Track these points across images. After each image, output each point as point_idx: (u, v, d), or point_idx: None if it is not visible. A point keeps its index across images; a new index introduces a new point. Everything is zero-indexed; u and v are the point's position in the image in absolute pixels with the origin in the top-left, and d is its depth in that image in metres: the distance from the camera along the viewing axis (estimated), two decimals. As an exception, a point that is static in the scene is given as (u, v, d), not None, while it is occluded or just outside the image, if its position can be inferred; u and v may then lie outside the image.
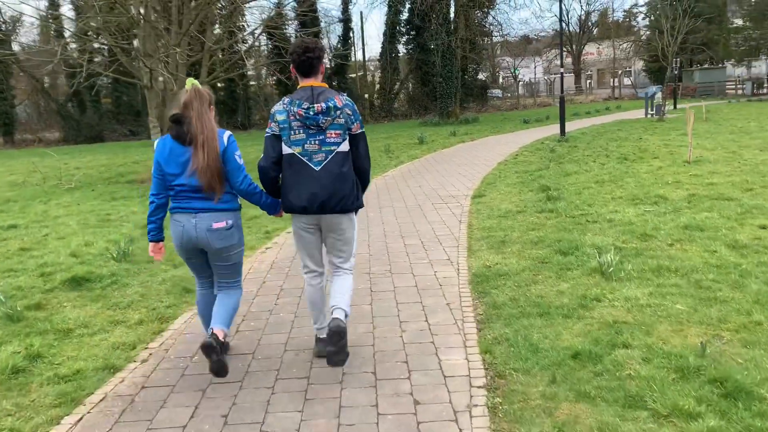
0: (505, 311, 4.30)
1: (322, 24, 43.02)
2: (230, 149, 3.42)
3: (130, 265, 5.93)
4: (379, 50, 42.55)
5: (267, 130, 3.50)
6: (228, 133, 3.48)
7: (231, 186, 3.47)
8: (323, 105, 3.38)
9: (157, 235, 3.60)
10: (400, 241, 6.59)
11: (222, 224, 3.42)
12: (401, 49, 43.01)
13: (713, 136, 15.71)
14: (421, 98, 41.32)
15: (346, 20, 42.25)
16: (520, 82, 55.76)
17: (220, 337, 3.34)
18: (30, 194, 11.92)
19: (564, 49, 62.50)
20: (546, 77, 63.50)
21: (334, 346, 3.33)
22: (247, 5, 29.76)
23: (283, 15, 41.11)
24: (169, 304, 4.87)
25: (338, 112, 3.42)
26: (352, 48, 43.65)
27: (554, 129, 22.60)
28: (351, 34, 43.00)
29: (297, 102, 3.40)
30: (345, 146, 3.48)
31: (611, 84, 59.19)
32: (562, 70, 17.54)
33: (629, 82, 57.27)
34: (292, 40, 39.75)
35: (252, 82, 44.64)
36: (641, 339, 3.68)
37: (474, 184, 10.36)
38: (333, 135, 3.43)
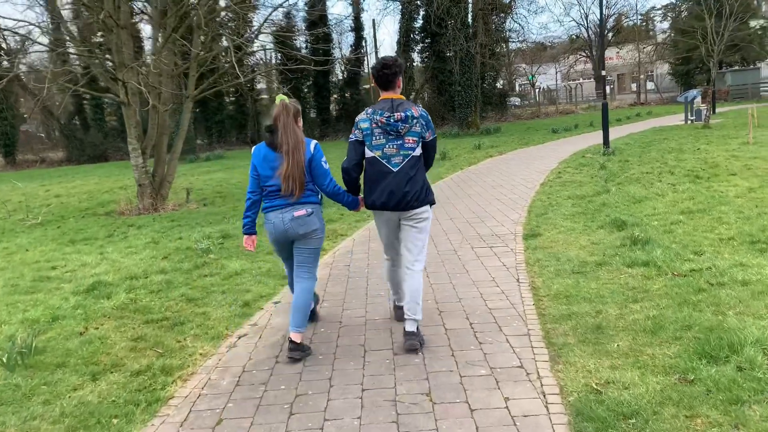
0: None
1: (333, 34, 41.34)
2: (317, 157, 3.92)
3: (23, 377, 3.86)
4: (393, 60, 40.69)
5: (351, 136, 4.01)
6: (314, 142, 3.95)
7: (318, 187, 3.98)
8: (402, 114, 3.86)
9: (250, 229, 4.08)
10: (438, 320, 4.48)
11: (302, 212, 3.88)
12: (416, 57, 41.09)
13: (787, 144, 13.46)
14: (438, 108, 39.21)
15: (357, 29, 40.44)
16: (538, 89, 53.49)
17: (298, 341, 3.90)
18: (-17, 234, 9.99)
19: (584, 53, 60.22)
20: (565, 84, 61.13)
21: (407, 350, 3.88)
22: (253, 14, 28.04)
23: (293, 25, 39.73)
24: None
25: (414, 121, 3.89)
26: (365, 58, 41.79)
27: (589, 139, 20.43)
28: (363, 44, 41.18)
29: (379, 111, 3.89)
30: (419, 151, 3.95)
31: (634, 89, 56.77)
32: (603, 72, 15.35)
33: (652, 86, 54.82)
34: (304, 51, 38.22)
35: (264, 96, 43.04)
36: None
37: (520, 215, 8.22)
38: (410, 141, 3.90)
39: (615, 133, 20.96)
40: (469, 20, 31.53)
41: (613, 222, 6.89)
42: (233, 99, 38.80)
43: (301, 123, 3.95)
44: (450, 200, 9.85)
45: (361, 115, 3.97)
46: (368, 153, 3.93)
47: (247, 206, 4.03)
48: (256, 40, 35.50)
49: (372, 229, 7.57)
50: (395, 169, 3.86)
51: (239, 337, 4.38)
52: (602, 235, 6.52)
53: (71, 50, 12.24)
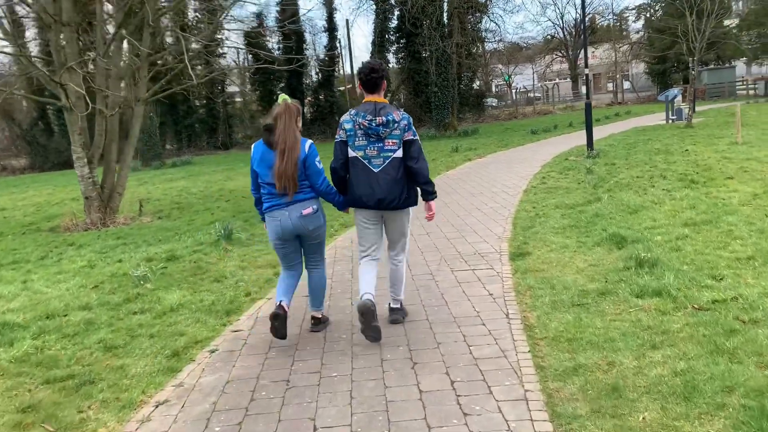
0: None
1: (307, 34, 40.31)
2: (311, 156, 4.04)
3: None
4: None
5: (336, 137, 4.15)
6: (309, 141, 4.09)
7: (311, 186, 4.10)
8: (384, 118, 3.97)
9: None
10: (410, 376, 3.57)
11: (310, 210, 4.07)
12: (391, 58, 40.23)
13: (779, 144, 12.84)
14: (415, 110, 38.32)
15: (331, 29, 39.45)
16: (515, 90, 52.97)
17: (318, 316, 4.39)
18: None
19: (559, 54, 60.00)
20: (542, 84, 60.77)
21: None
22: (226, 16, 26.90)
23: (264, 25, 38.60)
24: None
25: (395, 125, 4.01)
26: (340, 59, 40.85)
27: (570, 140, 19.73)
28: (338, 44, 40.21)
29: (362, 114, 4.01)
30: (400, 153, 4.06)
31: (609, 88, 56.61)
32: (587, 71, 14.57)
33: (628, 86, 54.69)
34: (276, 53, 37.10)
35: (238, 99, 41.82)
36: None
37: (504, 228, 7.36)
38: (390, 143, 4.03)
39: (596, 133, 20.18)
40: (445, 19, 30.75)
41: (611, 238, 6.05)
42: (204, 102, 37.56)
43: (300, 123, 4.07)
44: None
45: (345, 116, 4.11)
46: (351, 153, 4.07)
47: (254, 202, 4.30)
48: (225, 41, 34.50)
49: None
50: (376, 170, 4.01)
51: (156, 405, 3.42)
52: (600, 255, 5.68)
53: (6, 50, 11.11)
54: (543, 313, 4.35)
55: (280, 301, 4.09)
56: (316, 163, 4.05)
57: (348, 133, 4.06)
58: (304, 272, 4.40)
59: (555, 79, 63.66)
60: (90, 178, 10.48)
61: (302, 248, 4.27)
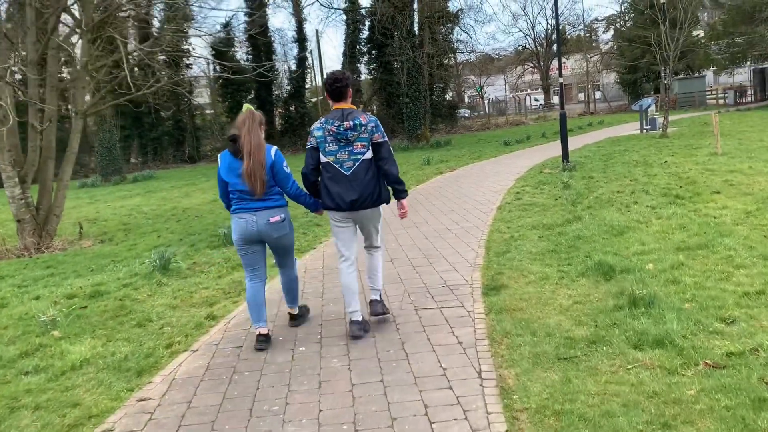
0: None
1: (276, 45, 39.43)
2: (278, 162, 4.22)
3: None
4: (339, 71, 39.01)
5: (307, 143, 4.34)
6: (275, 148, 4.27)
7: (281, 190, 4.31)
8: (351, 123, 4.17)
9: None
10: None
11: (277, 218, 4.23)
12: (363, 69, 39.58)
13: (757, 154, 12.33)
14: (387, 121, 37.60)
15: (301, 40, 38.61)
16: (487, 101, 52.68)
17: (294, 313, 4.65)
18: None
19: (530, 65, 60.11)
20: (514, 95, 60.69)
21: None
22: (189, 26, 25.85)
23: (232, 36, 37.63)
24: None
25: (363, 128, 4.19)
26: (310, 71, 40.02)
27: (543, 151, 19.18)
28: (309, 55, 39.37)
29: (330, 121, 4.21)
30: (369, 155, 4.24)
31: (582, 98, 56.66)
32: (561, 80, 14.00)
33: (599, 96, 54.86)
34: (244, 64, 36.12)
35: (208, 111, 40.68)
36: None
37: (477, 253, 6.57)
38: (359, 146, 4.21)
39: (569, 144, 19.75)
40: (416, 29, 30.16)
41: (596, 267, 5.30)
42: (169, 114, 36.35)
43: (263, 132, 4.25)
44: (392, 232, 8.16)
45: (316, 124, 4.32)
46: (323, 158, 4.25)
47: (225, 207, 4.44)
48: (192, 50, 33.41)
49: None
50: (347, 173, 4.19)
51: None
52: (586, 288, 4.91)
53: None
54: (523, 370, 3.55)
55: (258, 329, 4.28)
56: (284, 167, 4.22)
57: (318, 140, 4.24)
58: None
59: (527, 90, 63.67)
60: (22, 199, 9.47)
61: (273, 253, 4.47)
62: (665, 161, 12.76)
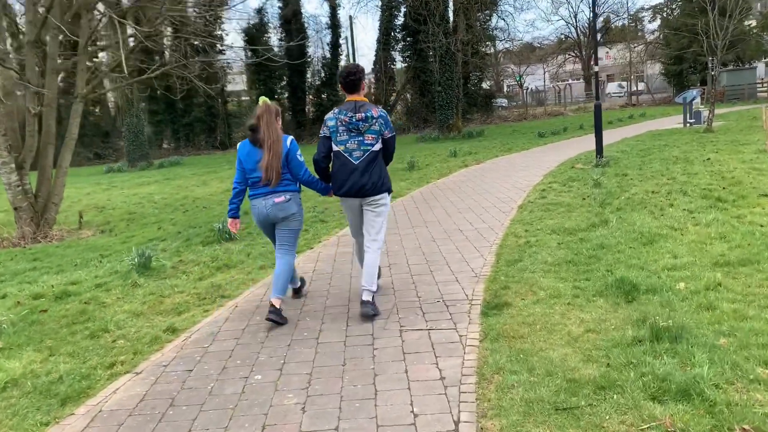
0: None
1: (309, 31, 38.87)
2: (293, 150, 4.51)
3: None
4: (373, 59, 38.26)
5: (320, 132, 4.62)
6: (290, 137, 4.55)
7: (294, 177, 4.55)
8: (363, 115, 4.44)
9: (235, 213, 4.73)
10: None
11: (281, 198, 4.47)
12: (397, 57, 38.75)
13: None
14: (420, 110, 36.89)
15: (334, 26, 37.99)
16: (527, 90, 51.18)
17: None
18: None
19: (573, 53, 58.32)
20: (554, 84, 58.97)
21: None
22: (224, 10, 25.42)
23: (267, 21, 37.22)
24: None
25: (374, 121, 4.47)
26: (343, 57, 39.33)
27: (579, 144, 18.18)
28: (342, 42, 38.68)
29: (344, 111, 4.47)
30: (378, 146, 4.54)
31: (626, 90, 54.62)
32: (596, 68, 13.00)
33: (642, 87, 52.88)
34: (276, 49, 35.69)
35: (244, 98, 40.44)
36: None
37: (485, 260, 5.84)
38: (369, 138, 4.48)
39: (607, 137, 18.62)
40: (450, 15, 29.18)
41: (618, 284, 4.54)
42: (202, 101, 36.17)
43: (280, 122, 4.52)
44: (398, 232, 7.49)
45: (329, 114, 4.55)
46: (334, 147, 4.51)
47: (233, 194, 4.64)
48: (225, 36, 33.13)
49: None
50: (356, 162, 4.46)
51: None
52: (603, 311, 4.17)
53: None
54: (510, 423, 2.86)
55: (271, 300, 4.44)
56: (298, 156, 4.51)
57: (331, 130, 4.50)
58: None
59: (567, 80, 61.83)
60: (19, 186, 9.11)
61: (277, 236, 4.60)
62: (708, 158, 11.74)
